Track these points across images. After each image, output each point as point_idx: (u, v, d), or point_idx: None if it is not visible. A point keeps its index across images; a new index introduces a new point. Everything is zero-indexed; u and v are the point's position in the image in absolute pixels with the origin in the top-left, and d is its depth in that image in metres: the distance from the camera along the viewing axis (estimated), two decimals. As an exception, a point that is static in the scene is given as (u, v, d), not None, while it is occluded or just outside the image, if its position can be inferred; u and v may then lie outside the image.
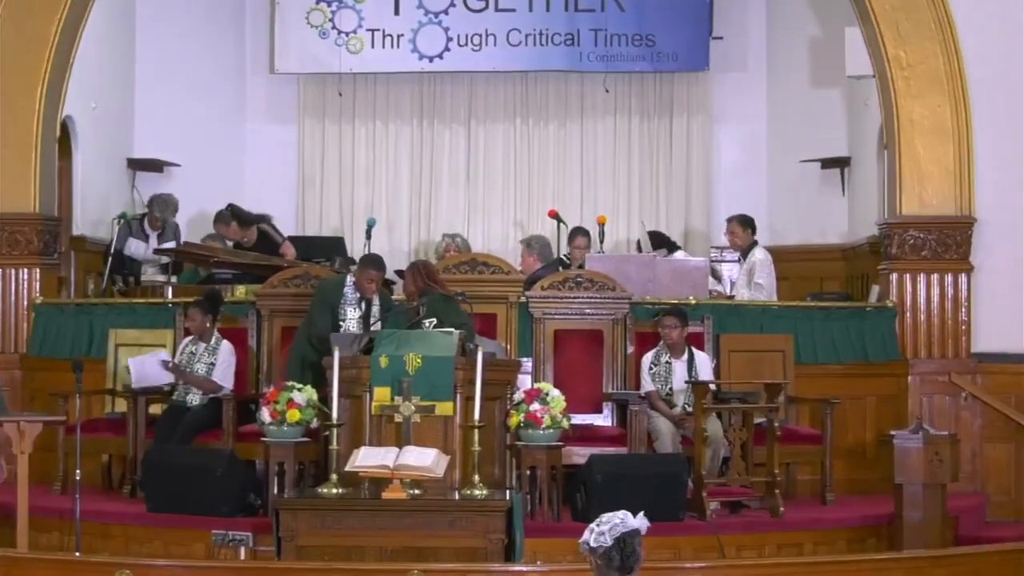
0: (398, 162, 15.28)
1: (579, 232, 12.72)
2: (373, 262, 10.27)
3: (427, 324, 9.49)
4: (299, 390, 9.31)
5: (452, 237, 13.09)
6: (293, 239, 13.43)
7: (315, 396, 9.31)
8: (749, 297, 11.72)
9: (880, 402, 11.15)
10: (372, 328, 9.81)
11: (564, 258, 12.33)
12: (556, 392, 9.30)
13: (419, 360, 8.66)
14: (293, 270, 11.03)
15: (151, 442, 10.03)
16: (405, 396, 8.61)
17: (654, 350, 10.37)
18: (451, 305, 9.73)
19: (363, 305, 10.09)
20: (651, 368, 10.30)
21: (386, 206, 15.17)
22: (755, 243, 12.09)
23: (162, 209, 12.92)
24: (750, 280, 11.88)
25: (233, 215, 12.38)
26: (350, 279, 10.14)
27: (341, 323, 9.98)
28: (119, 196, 14.24)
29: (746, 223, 12.08)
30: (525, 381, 10.03)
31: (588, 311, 10.83)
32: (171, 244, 12.56)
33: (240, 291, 11.51)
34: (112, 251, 12.64)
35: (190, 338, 10.44)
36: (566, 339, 10.82)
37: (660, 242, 12.62)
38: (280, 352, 10.65)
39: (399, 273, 12.15)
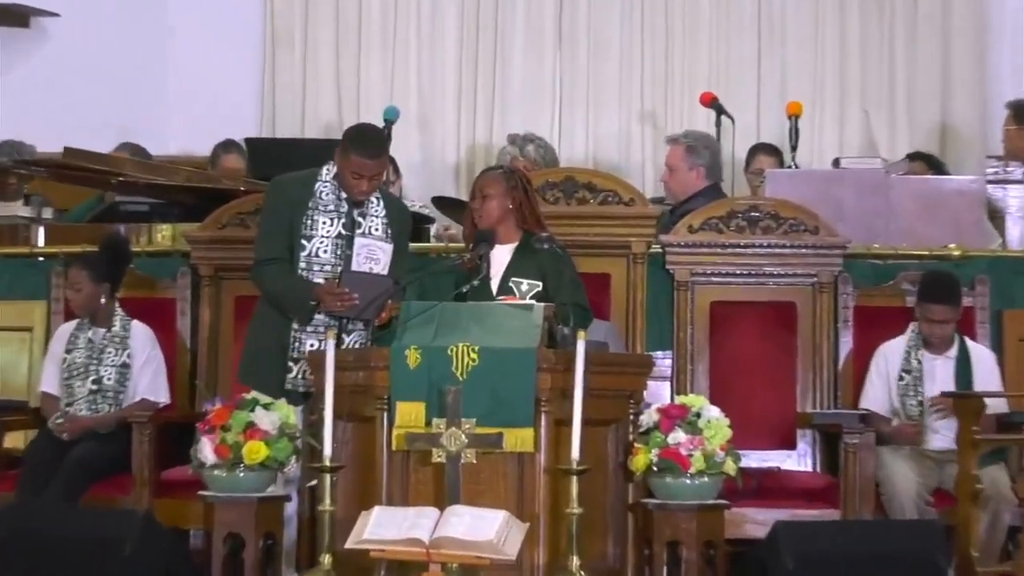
0: (441, 16, 11.93)
1: (761, 150, 10.47)
2: (363, 138, 7.84)
3: (525, 286, 7.74)
4: (265, 407, 7.55)
5: (525, 142, 10.34)
6: (253, 141, 11.09)
7: (292, 417, 7.51)
8: None
9: None
10: (364, 255, 7.72)
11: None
12: (715, 411, 7.60)
13: (475, 355, 6.78)
14: (253, 198, 8.78)
15: (11, 496, 8.62)
16: (451, 418, 6.90)
17: (897, 340, 8.52)
18: (569, 269, 7.77)
19: (348, 213, 7.86)
20: (901, 377, 8.48)
21: (417, 87, 11.88)
22: None
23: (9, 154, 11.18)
24: None
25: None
26: (327, 169, 7.92)
27: (304, 242, 7.68)
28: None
29: None
30: (660, 392, 8.64)
31: (770, 269, 8.84)
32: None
33: (163, 233, 9.82)
34: None
35: (76, 322, 8.60)
36: (731, 319, 8.98)
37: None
38: (235, 338, 8.84)
39: (438, 202, 10.06)
